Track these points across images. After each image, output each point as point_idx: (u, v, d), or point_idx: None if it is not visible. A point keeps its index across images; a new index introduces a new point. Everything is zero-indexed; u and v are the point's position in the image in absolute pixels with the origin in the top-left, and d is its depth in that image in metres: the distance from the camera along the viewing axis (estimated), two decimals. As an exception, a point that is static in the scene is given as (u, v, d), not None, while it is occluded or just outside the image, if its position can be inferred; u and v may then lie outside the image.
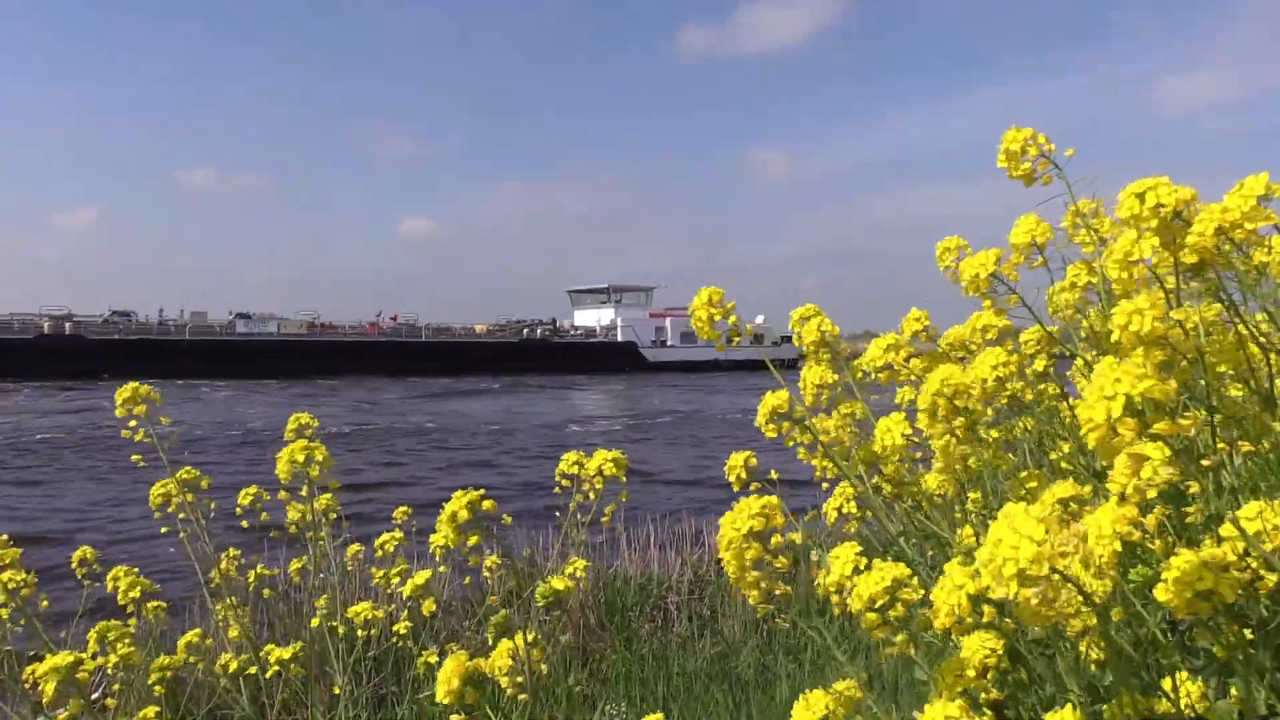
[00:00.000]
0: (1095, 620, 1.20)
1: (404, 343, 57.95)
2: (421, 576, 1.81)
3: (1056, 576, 0.89)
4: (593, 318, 69.25)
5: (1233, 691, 1.34)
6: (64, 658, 2.20)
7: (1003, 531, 0.91)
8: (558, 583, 1.38)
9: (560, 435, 24.11)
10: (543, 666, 1.34)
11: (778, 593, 1.22)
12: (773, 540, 1.19)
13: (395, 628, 3.54)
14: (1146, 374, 1.00)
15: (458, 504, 1.26)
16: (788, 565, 1.22)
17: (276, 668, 2.69)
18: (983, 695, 1.35)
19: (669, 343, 67.51)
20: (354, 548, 4.04)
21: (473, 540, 1.28)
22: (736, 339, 1.53)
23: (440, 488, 14.57)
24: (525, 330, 65.55)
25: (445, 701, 1.25)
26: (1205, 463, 1.15)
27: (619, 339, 65.68)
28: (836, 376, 1.53)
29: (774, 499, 1.20)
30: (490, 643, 1.40)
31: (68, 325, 47.92)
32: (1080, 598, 0.96)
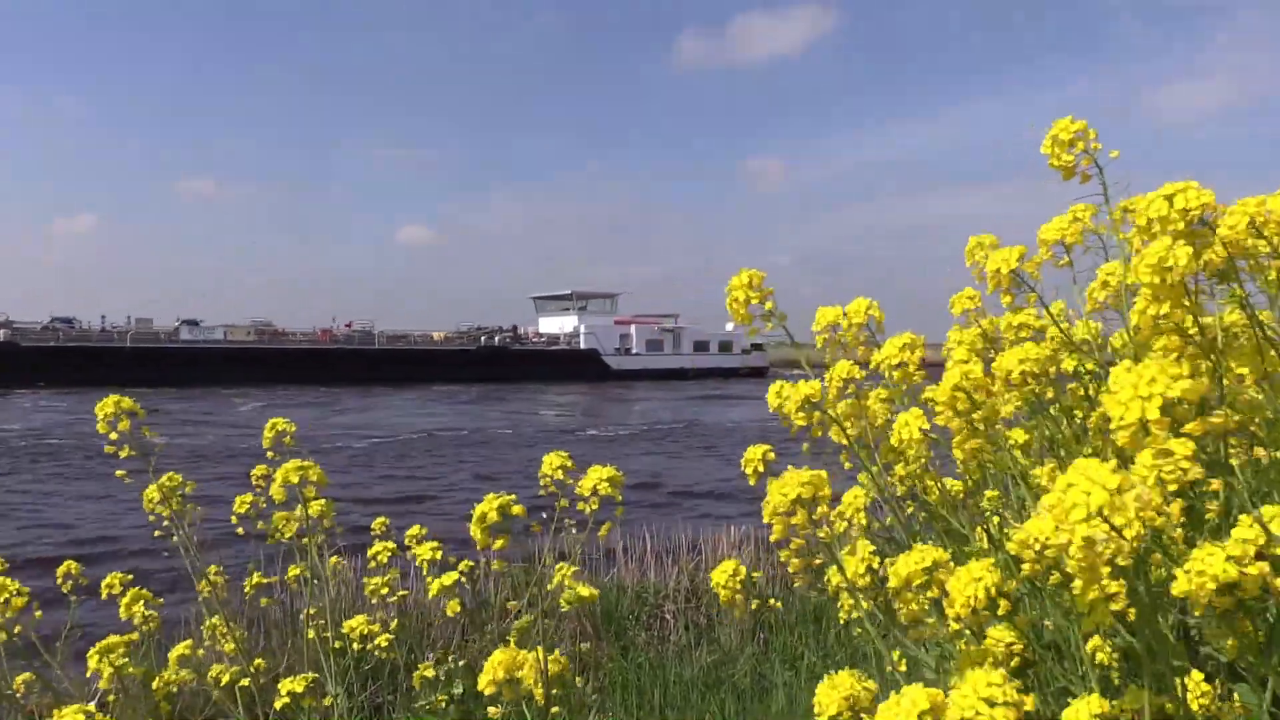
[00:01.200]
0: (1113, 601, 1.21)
1: (358, 350, 56.25)
2: (449, 578, 1.80)
3: (1111, 531, 0.87)
4: (556, 324, 67.40)
5: (1236, 697, 1.35)
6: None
7: (1074, 477, 0.88)
8: (584, 589, 1.38)
9: (530, 445, 23.79)
10: (577, 680, 1.34)
11: (816, 563, 1.23)
12: (818, 511, 1.19)
13: (378, 640, 3.52)
14: (1182, 373, 1.00)
15: (488, 506, 1.26)
16: (831, 536, 1.22)
17: (286, 699, 2.67)
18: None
19: (634, 350, 66.23)
20: (334, 560, 4.00)
21: (499, 544, 1.28)
22: (770, 325, 1.54)
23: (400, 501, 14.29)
24: (484, 338, 63.34)
25: (487, 692, 1.25)
26: (1235, 461, 1.16)
27: (581, 346, 63.95)
28: (862, 373, 1.54)
29: (823, 473, 1.20)
30: (512, 646, 1.39)
31: (2, 332, 46.46)
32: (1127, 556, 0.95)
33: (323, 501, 3.45)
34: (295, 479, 3.20)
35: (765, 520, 1.19)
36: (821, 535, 1.20)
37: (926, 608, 1.20)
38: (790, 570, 1.25)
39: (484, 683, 1.26)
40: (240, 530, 3.51)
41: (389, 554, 3.72)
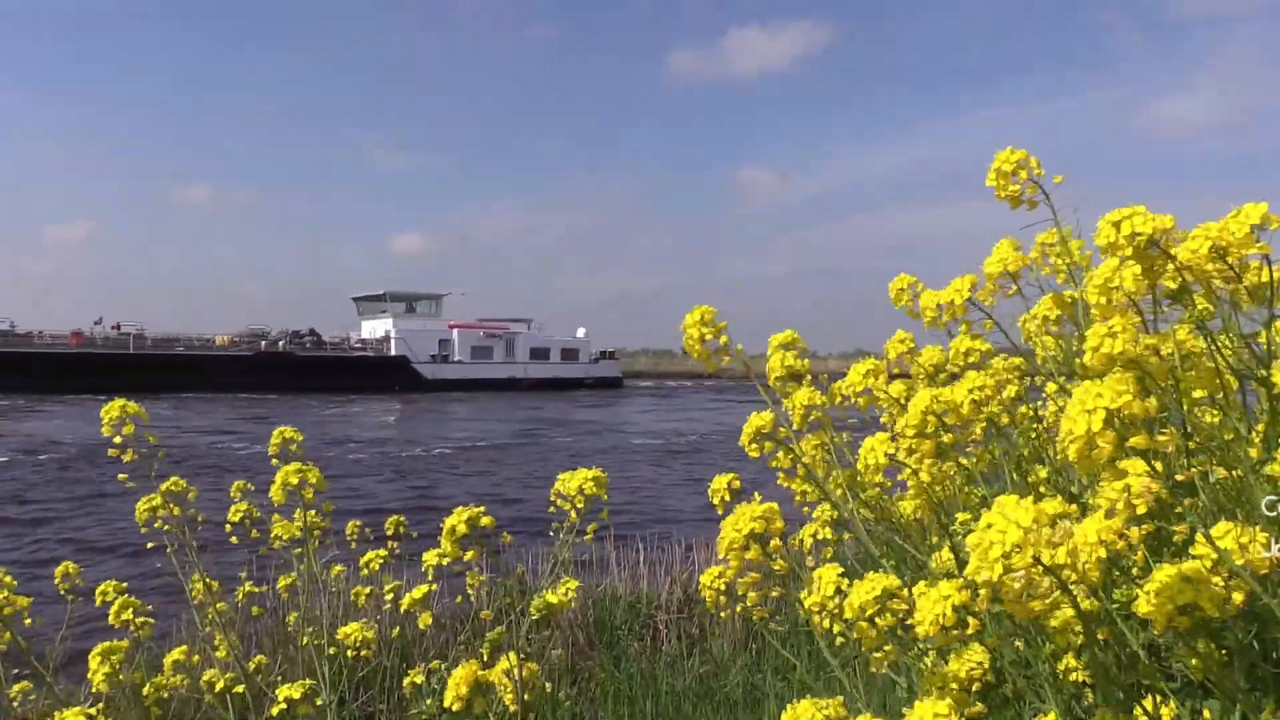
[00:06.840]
0: (1078, 622, 1.22)
1: (111, 354, 48.69)
2: (420, 591, 1.83)
3: (1038, 566, 0.91)
4: (372, 328, 59.31)
5: (1206, 714, 1.36)
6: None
7: (993, 517, 0.93)
8: (551, 596, 1.40)
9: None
10: (545, 685, 1.36)
11: (774, 595, 1.25)
12: (771, 544, 1.22)
13: (364, 637, 3.53)
14: (1126, 391, 1.03)
15: (457, 519, 1.28)
16: (786, 568, 1.24)
17: (283, 704, 2.67)
18: (965, 710, 1.37)
19: (455, 358, 58.46)
20: (337, 569, 4.02)
21: (469, 555, 1.30)
22: (727, 360, 1.55)
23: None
24: (264, 342, 54.04)
25: (455, 708, 1.27)
26: (1180, 476, 1.18)
27: (391, 353, 56.03)
28: (824, 399, 1.56)
29: (774, 505, 1.23)
30: (485, 657, 1.41)
31: None
32: (1061, 592, 0.99)
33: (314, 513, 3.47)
34: (295, 480, 3.21)
35: (721, 555, 1.22)
36: (776, 568, 1.22)
37: (884, 635, 1.22)
38: (749, 604, 1.27)
39: (449, 700, 1.28)
40: (234, 539, 3.53)
41: (380, 561, 3.73)
